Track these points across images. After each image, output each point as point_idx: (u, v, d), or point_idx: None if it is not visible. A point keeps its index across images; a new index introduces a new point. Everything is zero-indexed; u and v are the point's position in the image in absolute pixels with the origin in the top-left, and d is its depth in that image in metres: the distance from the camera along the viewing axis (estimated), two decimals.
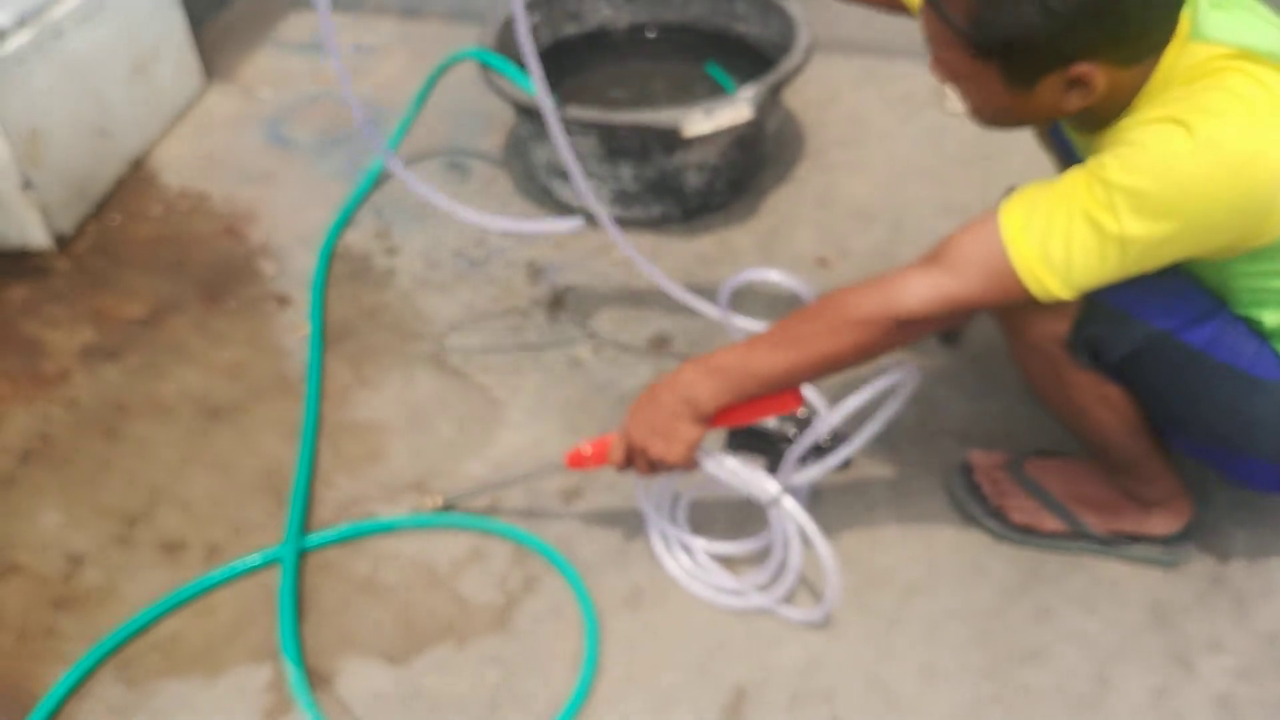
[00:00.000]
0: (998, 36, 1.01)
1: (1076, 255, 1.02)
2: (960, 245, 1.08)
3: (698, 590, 1.36)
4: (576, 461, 1.34)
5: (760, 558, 1.36)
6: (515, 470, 1.51)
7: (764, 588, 1.33)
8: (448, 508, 1.47)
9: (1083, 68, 1.01)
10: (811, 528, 1.22)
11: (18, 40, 1.89)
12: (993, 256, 1.05)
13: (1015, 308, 1.12)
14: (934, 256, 1.09)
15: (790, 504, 1.23)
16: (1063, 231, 1.02)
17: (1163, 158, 0.99)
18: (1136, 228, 1.00)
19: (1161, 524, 1.36)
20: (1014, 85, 1.05)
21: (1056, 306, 1.09)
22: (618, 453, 1.26)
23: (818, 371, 1.15)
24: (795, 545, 1.26)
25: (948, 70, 1.10)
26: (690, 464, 1.24)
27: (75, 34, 2.01)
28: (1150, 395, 1.20)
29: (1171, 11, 1.02)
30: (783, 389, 1.19)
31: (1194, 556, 1.37)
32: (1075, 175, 1.04)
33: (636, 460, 1.25)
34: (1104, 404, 1.21)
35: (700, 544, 1.39)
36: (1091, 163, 1.04)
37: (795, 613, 1.32)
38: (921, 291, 1.08)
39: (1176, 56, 1.04)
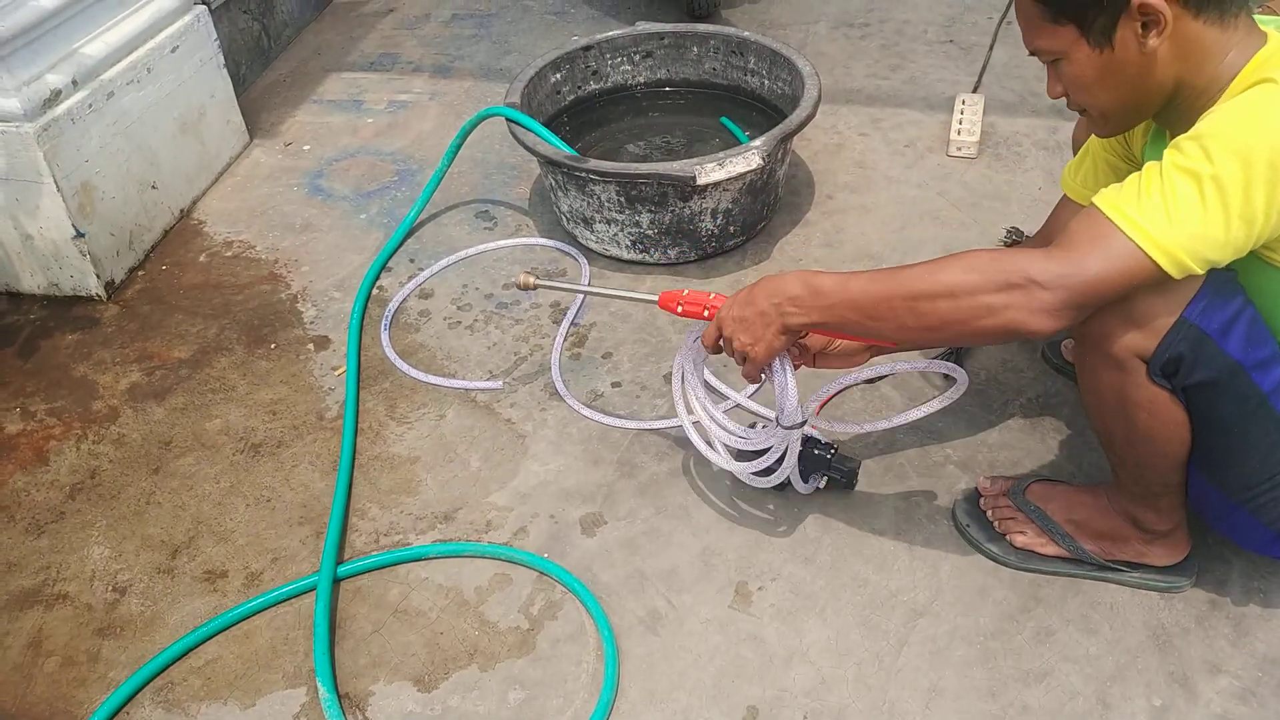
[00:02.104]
0: None
1: (1180, 206, 1.03)
2: (1069, 233, 1.08)
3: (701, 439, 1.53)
4: (669, 303, 1.46)
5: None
6: (606, 285, 1.60)
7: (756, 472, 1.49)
8: (534, 286, 1.61)
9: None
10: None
11: (72, 100, 2.02)
12: (1102, 233, 1.05)
13: (1107, 322, 1.15)
14: (1044, 251, 1.08)
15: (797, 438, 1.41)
16: (1158, 190, 1.04)
17: (1247, 104, 1.05)
18: (1227, 166, 1.02)
19: (1162, 555, 1.40)
20: (1098, 43, 1.13)
21: (1146, 320, 1.13)
22: (710, 335, 1.37)
23: (908, 317, 1.15)
24: (791, 459, 1.44)
25: (1045, 55, 1.18)
26: (756, 375, 1.35)
27: (126, 94, 2.15)
28: (1204, 428, 1.22)
29: None
30: (873, 329, 1.21)
31: (1189, 587, 1.41)
32: (1164, 153, 1.08)
33: (723, 342, 1.35)
34: (1165, 427, 1.23)
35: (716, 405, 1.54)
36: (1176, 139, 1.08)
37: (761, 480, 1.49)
38: (1045, 266, 1.06)
39: (1263, 61, 1.11)
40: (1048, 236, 1.56)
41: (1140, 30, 1.11)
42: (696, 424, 1.54)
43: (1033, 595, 1.42)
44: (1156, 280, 1.06)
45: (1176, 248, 1.04)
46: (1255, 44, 1.13)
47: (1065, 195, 1.54)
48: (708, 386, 1.59)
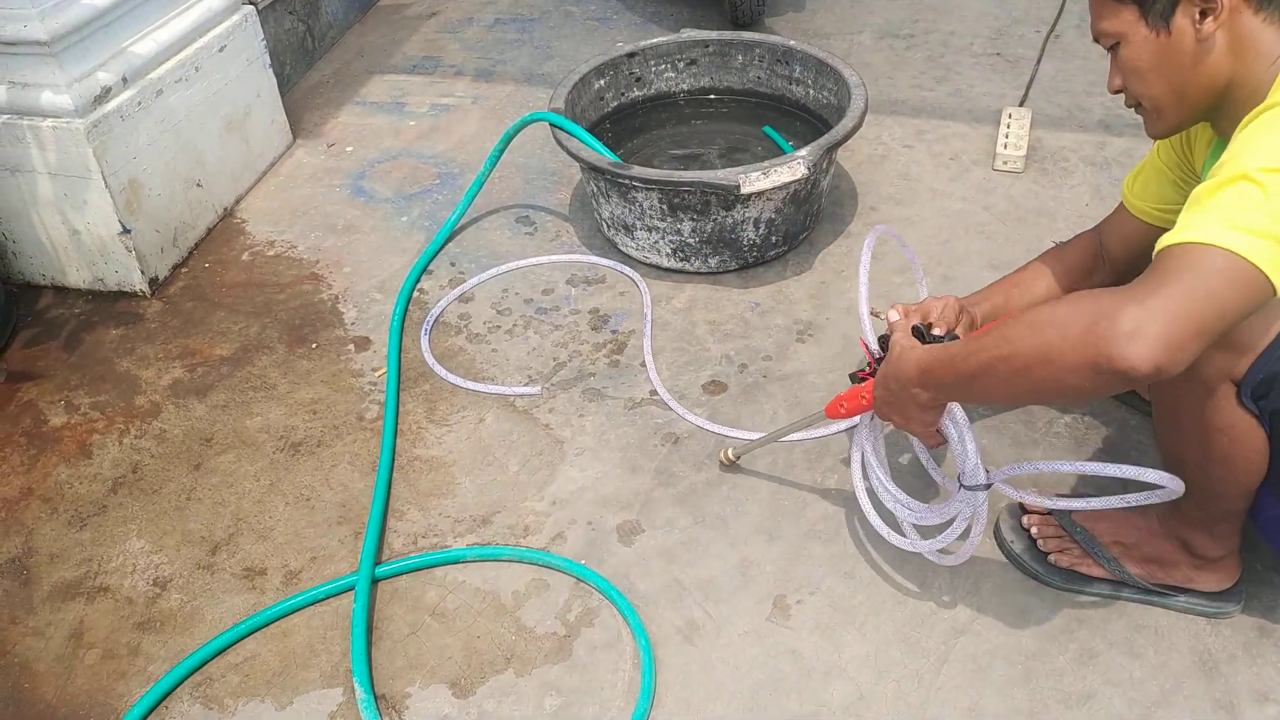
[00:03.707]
0: None
1: (1261, 212, 0.98)
2: (1160, 269, 1.00)
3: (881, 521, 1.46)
4: (835, 411, 1.44)
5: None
6: (786, 425, 1.60)
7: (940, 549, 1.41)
8: (736, 459, 1.64)
9: None
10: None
11: (122, 97, 2.05)
12: (1194, 259, 0.98)
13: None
14: (1138, 290, 1.00)
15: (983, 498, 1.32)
16: (1235, 206, 1.00)
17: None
18: None
19: (1211, 581, 1.37)
20: (1155, 24, 1.15)
21: (1239, 342, 1.10)
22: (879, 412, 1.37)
23: (1015, 386, 1.10)
24: (979, 525, 1.33)
25: (1106, 38, 1.19)
26: (934, 438, 1.32)
27: (174, 92, 2.18)
28: None
29: None
30: (994, 398, 1.21)
31: (1236, 613, 1.39)
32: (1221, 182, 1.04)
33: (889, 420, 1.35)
34: (1244, 453, 1.20)
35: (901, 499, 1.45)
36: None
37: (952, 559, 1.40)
38: (1144, 308, 0.97)
39: None
40: (1108, 249, 1.54)
41: (1198, 16, 1.12)
42: (877, 502, 1.48)
43: (1076, 617, 1.40)
44: (1266, 299, 1.00)
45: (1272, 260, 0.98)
46: None
47: (1122, 204, 1.52)
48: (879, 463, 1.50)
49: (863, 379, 1.44)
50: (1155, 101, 1.22)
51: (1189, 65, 1.15)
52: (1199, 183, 1.17)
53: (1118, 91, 1.25)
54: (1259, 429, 1.19)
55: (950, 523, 1.37)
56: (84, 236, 2.09)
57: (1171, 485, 1.16)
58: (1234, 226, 0.98)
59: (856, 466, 1.49)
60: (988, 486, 1.30)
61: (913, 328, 1.38)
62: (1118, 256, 1.51)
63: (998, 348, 1.10)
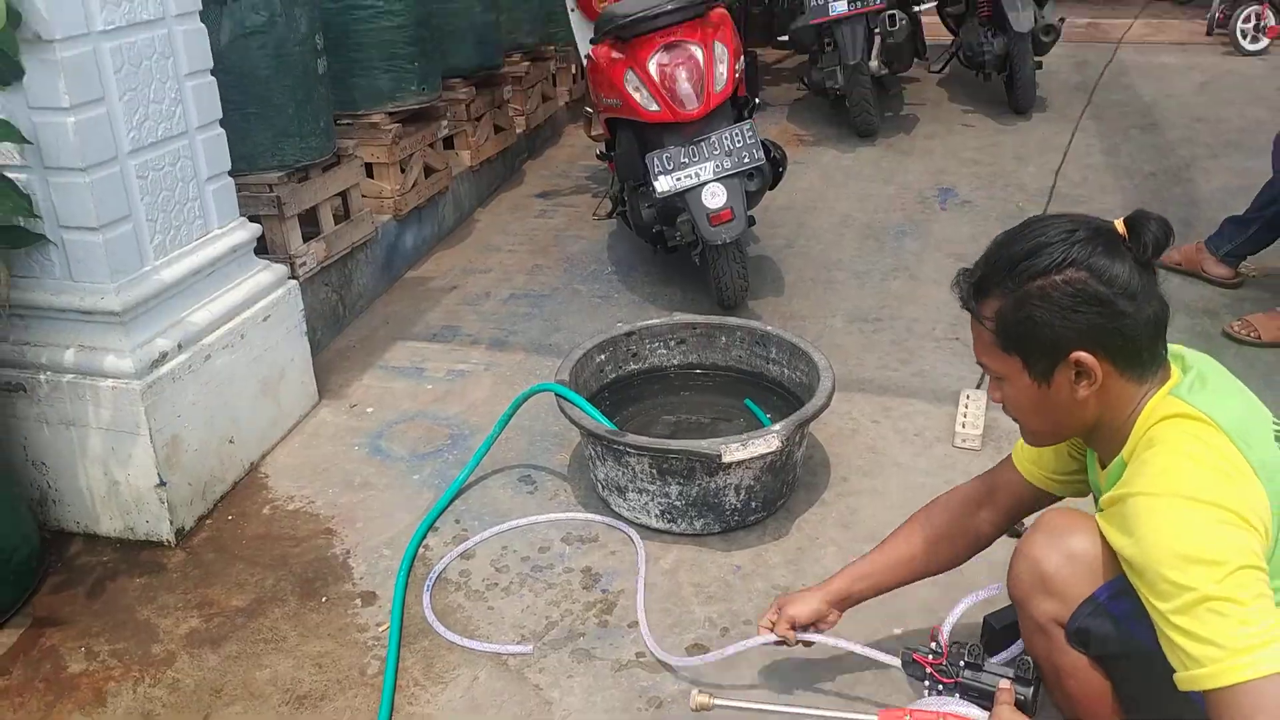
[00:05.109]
0: (1017, 328, 1.32)
1: (1229, 630, 1.16)
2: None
3: None
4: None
5: None
6: (798, 704, 1.67)
7: None
8: (710, 707, 1.64)
9: (1084, 354, 1.29)
10: None
11: (175, 361, 2.30)
12: (1252, 696, 1.14)
13: (1029, 588, 1.36)
14: None
15: None
16: (1207, 636, 1.17)
17: (1150, 516, 1.24)
18: (1199, 577, 1.18)
19: None
20: (1037, 377, 1.34)
21: (1062, 591, 1.32)
22: None
23: None
24: None
25: (991, 373, 1.40)
26: None
27: (221, 357, 2.43)
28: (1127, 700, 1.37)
29: (1152, 326, 1.30)
30: None
31: None
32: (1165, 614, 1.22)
33: None
34: (1092, 693, 1.37)
35: None
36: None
37: None
38: None
39: (1154, 407, 1.32)
40: (997, 501, 1.68)
41: (1074, 378, 1.32)
42: None
43: None
44: None
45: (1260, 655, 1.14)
46: (1160, 382, 1.34)
47: (1013, 463, 1.66)
48: None
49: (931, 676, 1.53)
50: (1030, 429, 1.44)
51: (1064, 412, 1.37)
52: (1087, 451, 1.43)
53: (999, 403, 1.45)
54: (1096, 671, 1.36)
55: None
56: (122, 487, 2.28)
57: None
58: (1248, 650, 1.14)
59: None
60: None
61: (1017, 701, 1.43)
62: (1006, 507, 1.67)
63: None
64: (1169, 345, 1.38)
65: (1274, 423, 1.34)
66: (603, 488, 2.35)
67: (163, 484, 2.25)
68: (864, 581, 1.71)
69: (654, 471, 2.19)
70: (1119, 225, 1.32)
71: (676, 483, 2.19)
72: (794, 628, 1.67)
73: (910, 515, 1.76)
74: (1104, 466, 1.41)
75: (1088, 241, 1.28)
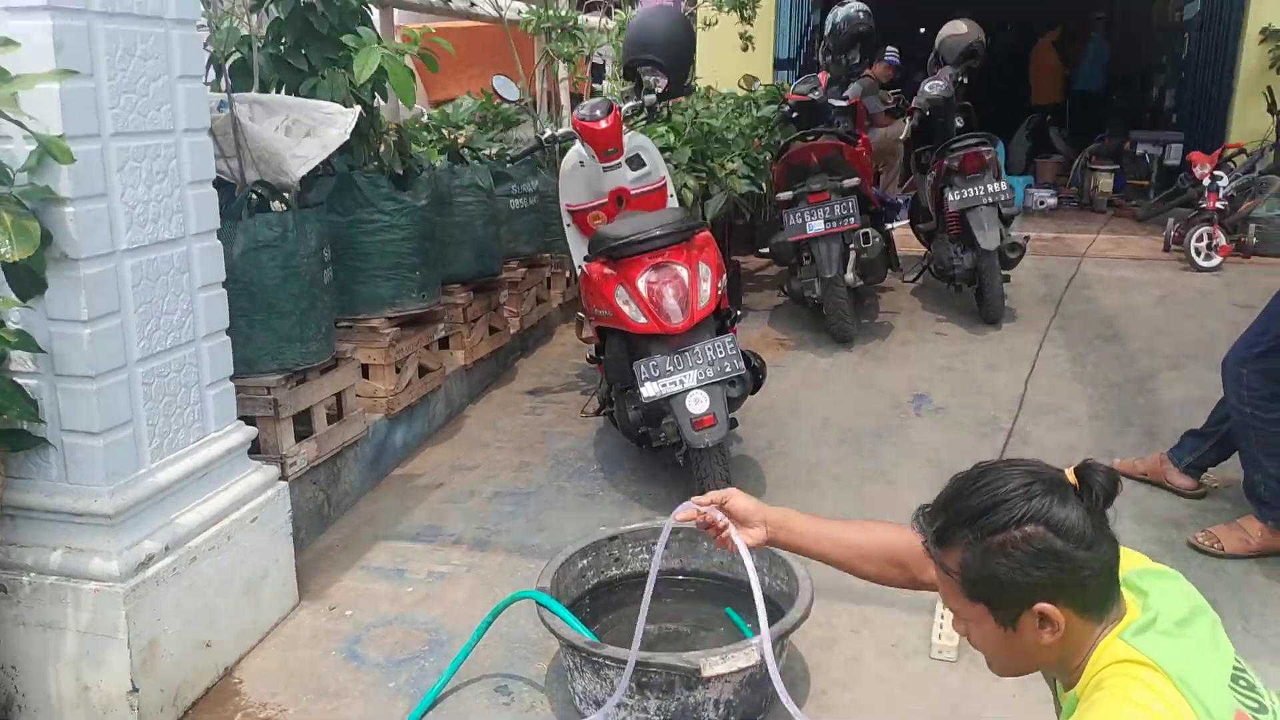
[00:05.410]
0: (981, 580, 1.37)
1: None
2: None
3: None
4: None
5: None
6: None
7: None
8: None
9: (1047, 606, 1.34)
10: None
11: (161, 564, 2.30)
12: None
13: None
14: None
15: None
16: None
17: None
18: None
19: None
20: (1002, 623, 1.39)
21: None
22: None
23: None
24: None
25: (958, 616, 1.45)
26: None
27: (206, 559, 2.44)
28: None
29: (1107, 570, 1.36)
30: None
31: None
32: None
33: None
34: None
35: None
36: None
37: None
38: None
39: (1105, 648, 1.37)
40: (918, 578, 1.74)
41: (1039, 624, 1.38)
42: None
43: None
44: None
45: None
46: (1115, 620, 1.39)
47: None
48: None
49: None
50: (996, 664, 1.49)
51: (1028, 653, 1.42)
52: None
53: (964, 635, 1.49)
54: None
55: None
56: (93, 693, 2.24)
57: None
58: None
59: None
60: None
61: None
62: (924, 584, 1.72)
63: None
64: (1137, 570, 1.44)
65: (1235, 662, 1.37)
66: (580, 701, 2.32)
67: (135, 690, 2.22)
68: (801, 529, 1.86)
69: (632, 685, 2.18)
70: (1069, 474, 1.41)
71: (655, 697, 2.18)
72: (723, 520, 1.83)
73: (889, 522, 1.85)
74: (1067, 689, 1.44)
75: (1043, 495, 1.36)
